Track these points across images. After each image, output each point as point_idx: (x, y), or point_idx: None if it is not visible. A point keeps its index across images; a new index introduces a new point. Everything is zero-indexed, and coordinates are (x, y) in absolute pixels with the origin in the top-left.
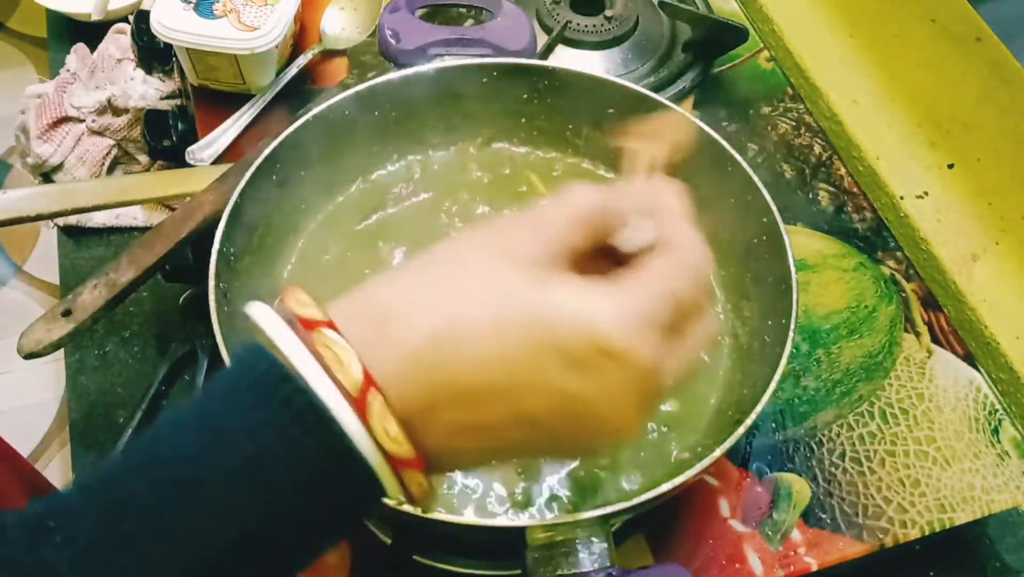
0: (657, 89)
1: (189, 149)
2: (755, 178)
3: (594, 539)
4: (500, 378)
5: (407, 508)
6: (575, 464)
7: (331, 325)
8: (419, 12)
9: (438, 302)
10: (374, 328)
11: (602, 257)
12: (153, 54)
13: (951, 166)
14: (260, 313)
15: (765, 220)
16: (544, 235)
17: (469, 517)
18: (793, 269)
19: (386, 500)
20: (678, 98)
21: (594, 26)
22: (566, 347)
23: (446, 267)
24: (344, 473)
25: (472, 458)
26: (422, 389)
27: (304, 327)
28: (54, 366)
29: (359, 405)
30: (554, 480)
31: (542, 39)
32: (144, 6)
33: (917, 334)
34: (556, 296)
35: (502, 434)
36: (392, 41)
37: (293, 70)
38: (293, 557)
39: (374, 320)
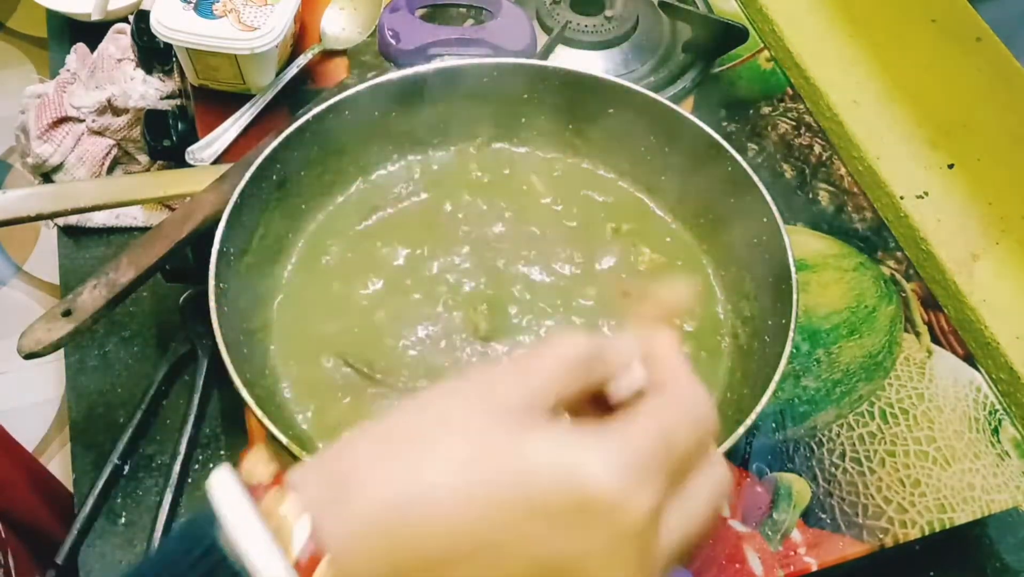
0: (657, 89)
1: (189, 149)
2: (755, 178)
3: None
4: (469, 544)
5: None
6: None
7: (285, 488)
8: (419, 12)
9: (403, 461)
10: (332, 492)
11: (593, 410)
12: (153, 54)
13: (951, 166)
14: (215, 479)
15: (765, 220)
16: (526, 382)
17: None
18: (793, 269)
19: None
20: (678, 98)
21: (594, 26)
22: (546, 504)
23: (416, 420)
24: None
25: None
26: (383, 557)
27: (255, 492)
28: (54, 366)
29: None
30: None
31: (542, 39)
32: (144, 6)
33: (917, 334)
34: (534, 445)
35: None
36: (392, 41)
37: (293, 70)
38: None
39: (333, 484)
